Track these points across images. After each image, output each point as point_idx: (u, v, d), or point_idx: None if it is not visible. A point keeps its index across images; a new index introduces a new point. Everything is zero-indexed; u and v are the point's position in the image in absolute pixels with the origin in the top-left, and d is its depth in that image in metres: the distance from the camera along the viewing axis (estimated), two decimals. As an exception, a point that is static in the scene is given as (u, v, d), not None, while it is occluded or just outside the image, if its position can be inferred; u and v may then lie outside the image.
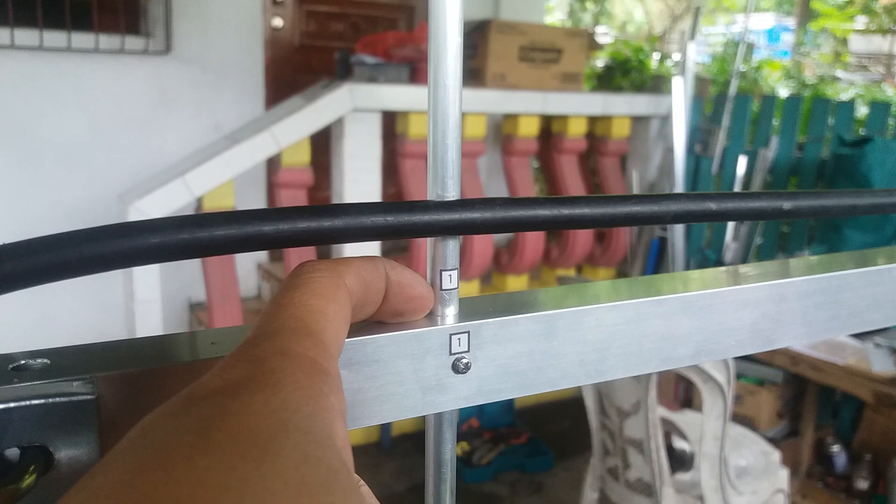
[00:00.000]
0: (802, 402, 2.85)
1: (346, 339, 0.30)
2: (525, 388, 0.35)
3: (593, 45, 3.31)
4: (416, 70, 2.97)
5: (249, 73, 3.65)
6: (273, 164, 2.84)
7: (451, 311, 0.33)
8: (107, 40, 3.18)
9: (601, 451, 2.14)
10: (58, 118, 3.16)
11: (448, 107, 0.31)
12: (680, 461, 2.05)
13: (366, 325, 0.32)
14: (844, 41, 10.64)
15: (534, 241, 3.28)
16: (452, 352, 0.33)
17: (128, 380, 0.26)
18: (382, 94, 2.83)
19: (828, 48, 10.11)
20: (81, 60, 3.17)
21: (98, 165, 3.24)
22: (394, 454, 3.15)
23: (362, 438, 3.19)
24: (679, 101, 3.27)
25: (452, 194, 0.32)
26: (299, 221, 0.28)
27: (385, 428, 3.17)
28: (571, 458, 3.12)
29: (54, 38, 3.04)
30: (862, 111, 3.45)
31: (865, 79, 10.43)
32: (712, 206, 0.37)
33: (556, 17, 9.44)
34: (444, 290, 0.33)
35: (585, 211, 0.33)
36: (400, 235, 0.30)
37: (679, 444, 2.09)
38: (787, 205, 0.40)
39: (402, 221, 0.30)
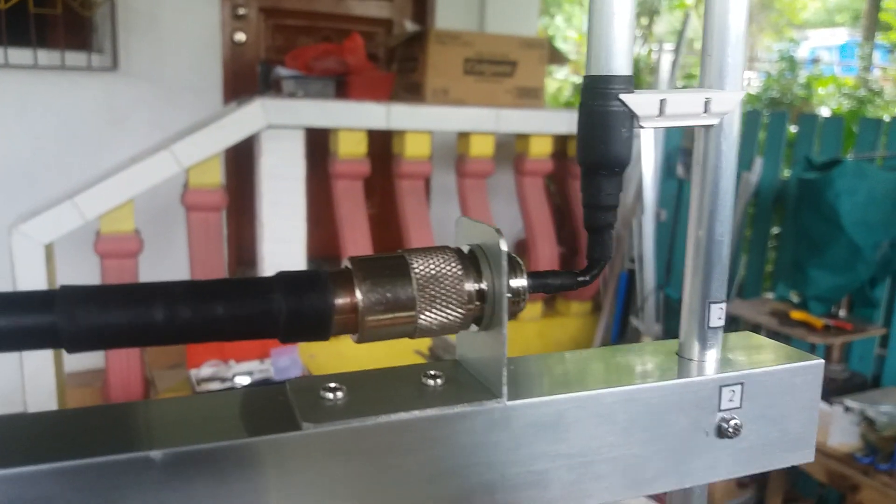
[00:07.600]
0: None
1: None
2: None
3: (555, 58, 2.99)
4: (345, 84, 2.72)
5: (207, 89, 3.50)
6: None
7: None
8: (46, 56, 3.09)
9: None
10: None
11: None
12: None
13: None
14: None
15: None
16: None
17: None
18: (303, 109, 2.60)
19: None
20: (21, 76, 3.09)
21: (42, 184, 3.14)
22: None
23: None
24: (648, 118, 2.90)
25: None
26: None
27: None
28: None
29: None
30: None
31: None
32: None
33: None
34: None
35: None
36: None
37: None
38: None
39: None
